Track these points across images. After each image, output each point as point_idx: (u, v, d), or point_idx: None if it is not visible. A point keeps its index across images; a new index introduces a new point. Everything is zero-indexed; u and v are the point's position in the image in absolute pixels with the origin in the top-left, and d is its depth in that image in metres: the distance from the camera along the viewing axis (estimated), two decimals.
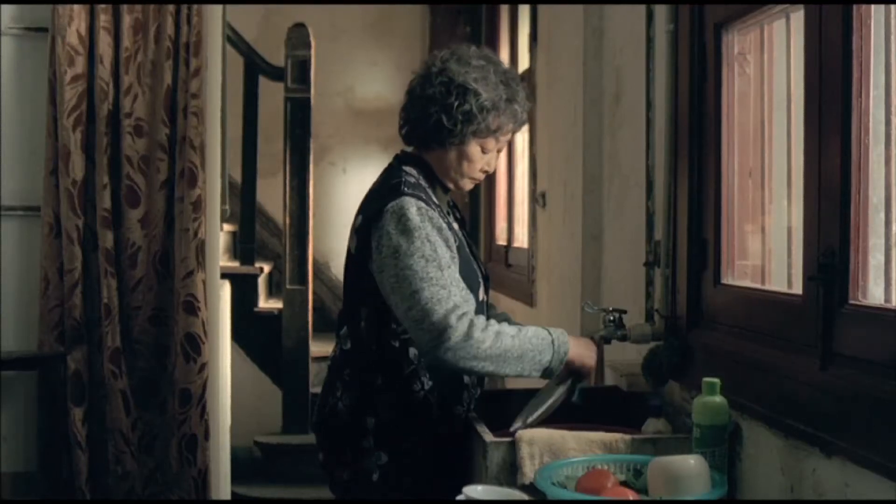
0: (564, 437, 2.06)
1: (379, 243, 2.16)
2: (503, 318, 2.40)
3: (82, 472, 3.67)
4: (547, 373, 2.15)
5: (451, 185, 2.35)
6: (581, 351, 2.21)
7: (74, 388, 3.68)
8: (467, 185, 2.36)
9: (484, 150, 2.30)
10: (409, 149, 2.37)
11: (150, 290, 3.76)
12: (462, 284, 2.15)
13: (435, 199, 2.27)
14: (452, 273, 2.13)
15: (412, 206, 2.16)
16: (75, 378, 3.68)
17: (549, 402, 2.21)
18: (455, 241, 2.25)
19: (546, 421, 2.18)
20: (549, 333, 2.16)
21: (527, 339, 2.12)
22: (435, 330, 2.06)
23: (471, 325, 2.07)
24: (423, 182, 2.28)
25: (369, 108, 6.23)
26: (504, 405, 2.35)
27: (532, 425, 2.15)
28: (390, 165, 2.35)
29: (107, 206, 3.69)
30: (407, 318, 2.12)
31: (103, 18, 3.70)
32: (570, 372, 2.22)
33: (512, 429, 2.14)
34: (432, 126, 2.25)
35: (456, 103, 2.22)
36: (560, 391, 2.22)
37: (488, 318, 2.18)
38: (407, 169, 2.29)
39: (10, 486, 3.74)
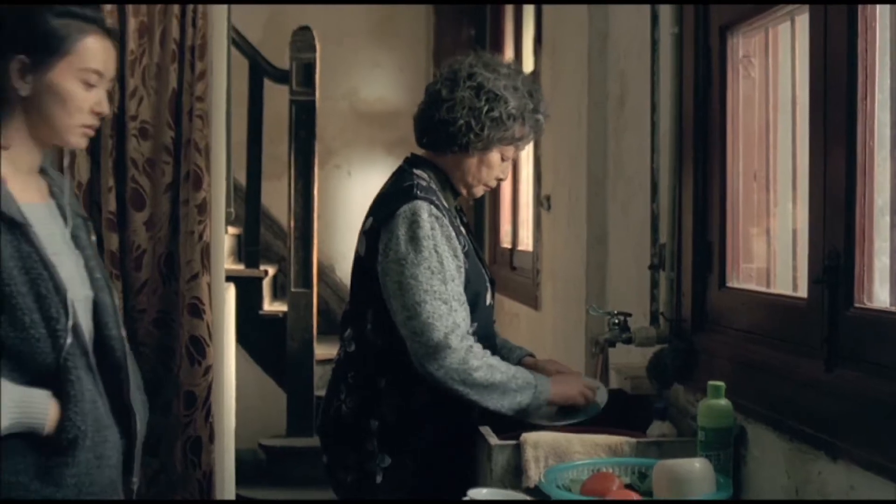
0: (569, 440, 2.06)
1: (386, 246, 2.17)
2: (518, 353, 2.44)
3: None
4: (521, 413, 2.17)
5: (463, 191, 2.35)
6: (561, 388, 2.22)
7: None
8: (480, 191, 2.36)
9: (503, 158, 2.32)
10: (420, 152, 2.37)
11: (154, 293, 3.75)
12: (463, 299, 2.17)
13: (445, 204, 2.27)
14: (455, 287, 2.15)
15: (424, 212, 2.16)
16: None
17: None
18: (464, 245, 2.25)
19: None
20: (534, 378, 2.19)
21: (512, 377, 2.15)
22: (433, 347, 2.10)
23: (469, 349, 2.11)
24: (433, 186, 2.28)
25: (373, 111, 6.23)
26: None
27: None
28: (400, 168, 2.35)
29: (112, 209, 3.69)
30: (405, 326, 2.14)
31: (108, 21, 3.70)
32: (562, 408, 2.25)
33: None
34: (458, 129, 2.24)
35: (485, 108, 2.23)
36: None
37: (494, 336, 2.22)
38: (418, 172, 2.29)
39: None
